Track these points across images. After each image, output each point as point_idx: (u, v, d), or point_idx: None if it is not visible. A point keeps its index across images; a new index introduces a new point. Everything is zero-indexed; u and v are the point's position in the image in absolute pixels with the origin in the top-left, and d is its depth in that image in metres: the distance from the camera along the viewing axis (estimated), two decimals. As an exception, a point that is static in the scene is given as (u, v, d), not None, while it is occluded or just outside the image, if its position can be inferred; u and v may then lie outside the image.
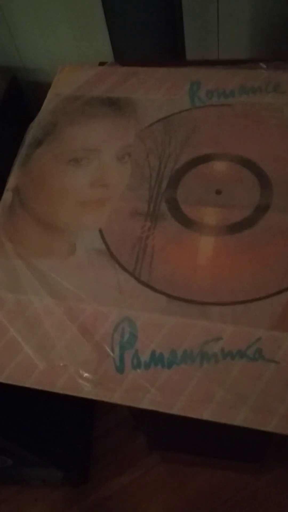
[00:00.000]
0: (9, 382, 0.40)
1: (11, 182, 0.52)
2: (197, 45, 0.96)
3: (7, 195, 0.51)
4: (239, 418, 0.36)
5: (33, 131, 0.55)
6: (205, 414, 0.37)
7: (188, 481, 1.05)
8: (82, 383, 0.39)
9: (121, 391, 0.38)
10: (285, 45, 0.93)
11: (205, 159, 0.50)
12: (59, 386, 0.39)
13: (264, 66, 0.55)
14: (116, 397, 0.38)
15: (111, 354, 0.40)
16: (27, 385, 0.39)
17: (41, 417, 0.86)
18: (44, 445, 0.88)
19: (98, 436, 1.12)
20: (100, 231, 0.47)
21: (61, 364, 0.40)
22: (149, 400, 0.38)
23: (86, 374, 0.39)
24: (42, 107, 0.57)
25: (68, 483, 1.06)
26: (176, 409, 0.37)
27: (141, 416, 0.82)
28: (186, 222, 0.46)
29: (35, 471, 1.01)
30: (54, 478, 1.02)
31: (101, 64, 0.61)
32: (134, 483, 1.07)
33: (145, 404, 0.38)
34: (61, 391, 0.39)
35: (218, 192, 0.48)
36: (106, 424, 1.13)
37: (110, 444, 1.11)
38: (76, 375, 0.39)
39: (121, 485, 1.07)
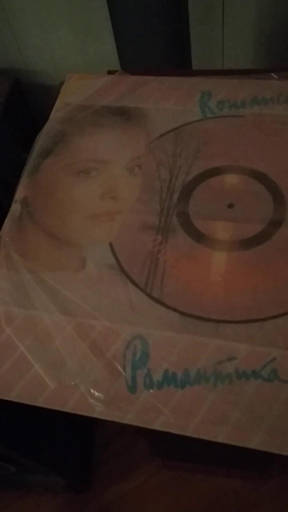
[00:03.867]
0: (19, 401, 0.39)
1: (20, 193, 0.51)
2: (202, 54, 0.96)
3: (16, 206, 0.50)
4: (255, 441, 0.36)
5: (41, 140, 0.54)
6: (220, 437, 0.36)
7: (190, 488, 1.05)
8: (94, 402, 0.38)
9: (133, 412, 0.37)
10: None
11: (217, 171, 0.50)
12: (70, 406, 0.38)
13: (276, 77, 0.55)
14: (128, 418, 0.37)
15: (123, 373, 0.39)
16: (37, 404, 0.39)
17: (43, 425, 0.85)
18: (46, 452, 0.88)
19: (99, 443, 1.11)
20: (111, 245, 0.46)
21: (72, 383, 0.39)
22: (162, 422, 0.37)
23: (97, 394, 0.38)
24: (50, 116, 0.57)
25: (70, 490, 1.06)
26: (189, 431, 0.36)
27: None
28: (198, 237, 0.46)
29: (37, 478, 1.01)
30: (56, 484, 1.02)
31: (110, 72, 0.60)
32: (136, 489, 1.06)
33: (157, 426, 0.37)
34: (72, 411, 0.38)
35: (231, 206, 0.47)
36: (107, 431, 1.12)
37: (111, 451, 1.10)
38: (88, 395, 0.38)
39: (123, 491, 1.06)
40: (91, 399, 0.38)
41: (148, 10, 0.72)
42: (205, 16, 0.90)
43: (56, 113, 0.57)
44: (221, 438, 0.36)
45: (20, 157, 0.99)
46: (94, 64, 1.04)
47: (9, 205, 0.51)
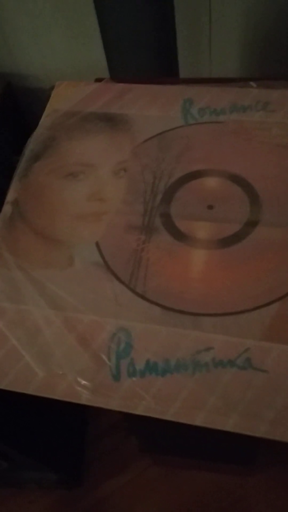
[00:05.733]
0: (10, 389, 0.41)
1: (11, 195, 0.53)
2: (190, 63, 0.98)
3: (7, 207, 0.52)
4: (230, 424, 0.38)
5: (31, 145, 0.57)
6: (197, 420, 0.39)
7: (180, 484, 1.06)
8: (80, 390, 0.40)
9: (117, 398, 0.40)
10: (275, 63, 0.96)
11: (198, 175, 0.52)
12: (58, 393, 0.41)
13: (254, 85, 0.58)
14: (112, 404, 0.40)
15: (108, 362, 0.42)
16: (27, 392, 0.41)
17: (36, 421, 0.87)
18: (39, 447, 0.89)
19: (91, 439, 1.13)
20: (97, 244, 0.49)
21: (60, 372, 0.41)
22: (144, 407, 0.40)
23: (84, 382, 0.41)
24: (40, 122, 0.59)
25: (62, 486, 1.07)
26: (169, 415, 0.39)
27: (134, 420, 0.83)
28: (179, 236, 0.49)
29: (30, 474, 1.01)
30: (48, 481, 1.03)
31: (97, 80, 0.63)
32: (127, 486, 1.08)
33: (140, 411, 0.39)
34: (60, 398, 0.41)
35: (210, 207, 0.50)
36: (99, 427, 1.14)
37: (103, 448, 1.12)
38: (75, 383, 0.41)
39: (114, 487, 1.08)
40: (78, 387, 0.41)
41: (135, 20, 0.75)
42: (192, 25, 0.92)
43: (46, 119, 0.59)
44: (198, 422, 0.39)
45: (10, 160, 1.01)
46: (84, 70, 1.06)
47: (0, 206, 0.53)
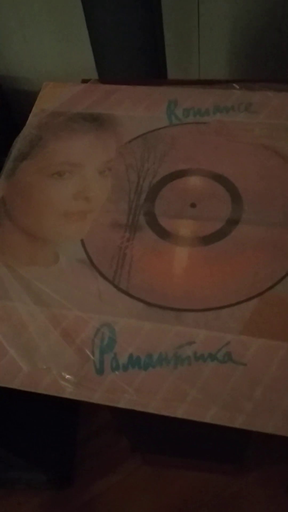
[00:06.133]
0: (-5, 384, 0.42)
1: (-3, 193, 0.54)
2: (180, 67, 1.00)
3: (-6, 206, 0.53)
4: (209, 415, 0.39)
5: (18, 144, 0.58)
6: (178, 412, 0.40)
7: (170, 483, 1.07)
8: (64, 384, 0.41)
9: (100, 392, 0.41)
10: (262, 66, 0.97)
11: (181, 174, 0.54)
12: (43, 387, 0.41)
13: (237, 87, 0.59)
14: (96, 397, 0.41)
15: (92, 357, 0.43)
16: (12, 386, 0.42)
17: (25, 421, 0.87)
18: (29, 448, 0.89)
19: (81, 440, 1.13)
20: (82, 241, 0.50)
21: (45, 367, 0.42)
22: (126, 400, 0.40)
23: (68, 376, 0.42)
24: (27, 122, 0.60)
25: (52, 487, 1.07)
26: (151, 408, 0.40)
27: (123, 419, 0.84)
28: (163, 234, 0.50)
29: (20, 474, 1.01)
30: (38, 481, 1.03)
31: (84, 81, 0.64)
32: (117, 486, 1.08)
33: (122, 404, 0.40)
34: (44, 392, 0.41)
35: (193, 205, 0.51)
36: (89, 428, 1.14)
37: (93, 448, 1.12)
38: (59, 377, 0.42)
39: (104, 488, 1.08)
40: (62, 381, 0.41)
41: (123, 23, 0.76)
42: (181, 29, 0.94)
43: (33, 119, 0.60)
44: (179, 414, 0.40)
45: (2, 161, 1.01)
46: (74, 71, 1.07)
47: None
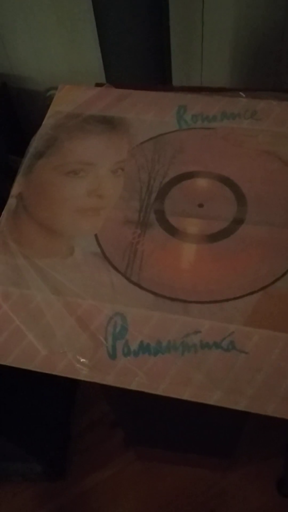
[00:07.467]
0: (15, 365, 0.45)
1: (15, 189, 0.57)
2: (183, 72, 1.02)
3: (12, 201, 0.56)
4: (214, 398, 0.42)
5: (35, 143, 0.61)
6: (185, 395, 0.43)
7: (162, 478, 1.09)
8: (79, 367, 0.44)
9: (113, 375, 0.44)
10: (263, 74, 1.01)
11: (190, 176, 0.57)
12: (59, 369, 0.44)
13: (243, 95, 0.62)
14: (109, 380, 0.44)
15: (105, 343, 0.45)
16: (30, 368, 0.45)
17: (22, 412, 0.88)
18: (25, 438, 0.90)
19: (76, 433, 1.15)
20: (96, 236, 0.53)
21: (61, 351, 0.45)
22: (137, 383, 0.43)
23: (83, 360, 0.44)
24: (43, 122, 0.63)
25: (46, 478, 1.09)
26: (160, 390, 0.43)
27: (120, 411, 0.86)
28: (172, 231, 0.53)
29: (15, 465, 1.02)
30: (33, 472, 1.04)
31: (98, 85, 0.67)
32: (110, 479, 1.10)
33: (134, 386, 0.43)
34: (61, 374, 0.44)
35: (200, 205, 0.55)
36: (84, 422, 1.16)
37: (87, 442, 1.14)
38: (74, 360, 0.44)
39: (98, 481, 1.10)
40: (77, 364, 0.44)
41: (132, 28, 0.79)
42: (186, 36, 0.97)
43: (49, 120, 0.63)
44: (186, 396, 0.43)
45: (5, 158, 1.03)
46: (79, 73, 1.09)
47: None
